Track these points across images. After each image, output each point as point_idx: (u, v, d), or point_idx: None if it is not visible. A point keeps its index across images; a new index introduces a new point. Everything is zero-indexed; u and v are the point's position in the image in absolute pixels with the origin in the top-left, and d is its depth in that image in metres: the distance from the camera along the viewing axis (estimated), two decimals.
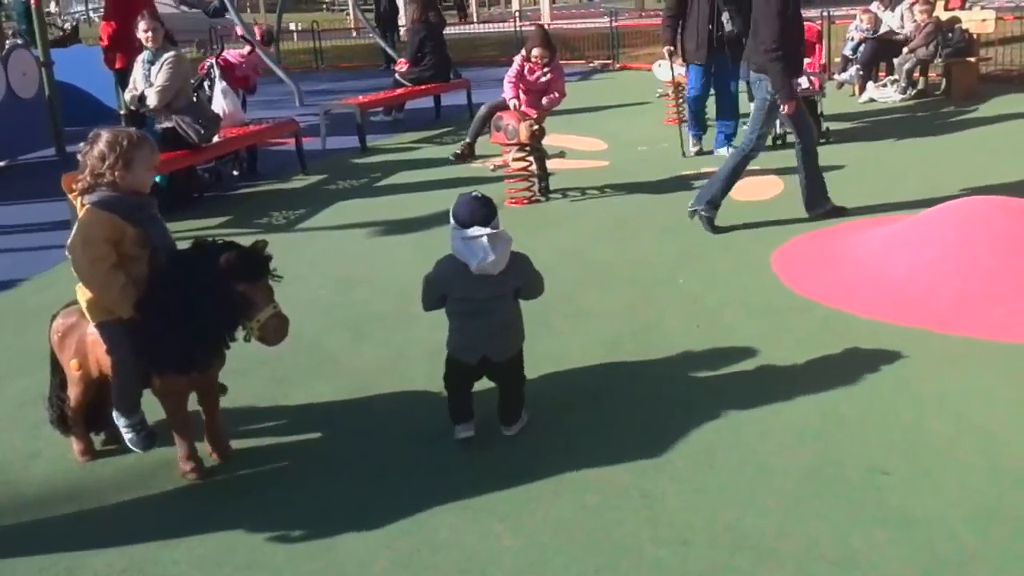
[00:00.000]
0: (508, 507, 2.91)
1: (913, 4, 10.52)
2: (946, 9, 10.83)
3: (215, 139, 7.12)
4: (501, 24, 21.22)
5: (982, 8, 10.84)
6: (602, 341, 4.16)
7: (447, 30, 13.78)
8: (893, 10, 10.55)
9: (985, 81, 10.74)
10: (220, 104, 7.71)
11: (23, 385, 3.96)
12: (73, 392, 3.23)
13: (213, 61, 8.11)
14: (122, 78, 8.05)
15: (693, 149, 8.15)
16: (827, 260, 5.10)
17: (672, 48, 7.94)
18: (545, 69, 7.19)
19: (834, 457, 3.08)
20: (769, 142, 7.58)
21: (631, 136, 9.07)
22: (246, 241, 3.02)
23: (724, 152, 7.95)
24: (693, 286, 4.80)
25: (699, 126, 8.21)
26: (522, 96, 7.05)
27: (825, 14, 12.47)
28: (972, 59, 10.40)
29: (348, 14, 26.65)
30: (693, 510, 2.84)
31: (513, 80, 6.93)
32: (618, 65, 15.37)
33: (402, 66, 10.71)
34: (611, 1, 33.54)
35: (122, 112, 7.11)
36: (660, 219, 6.10)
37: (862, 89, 10.57)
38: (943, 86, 10.65)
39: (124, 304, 2.90)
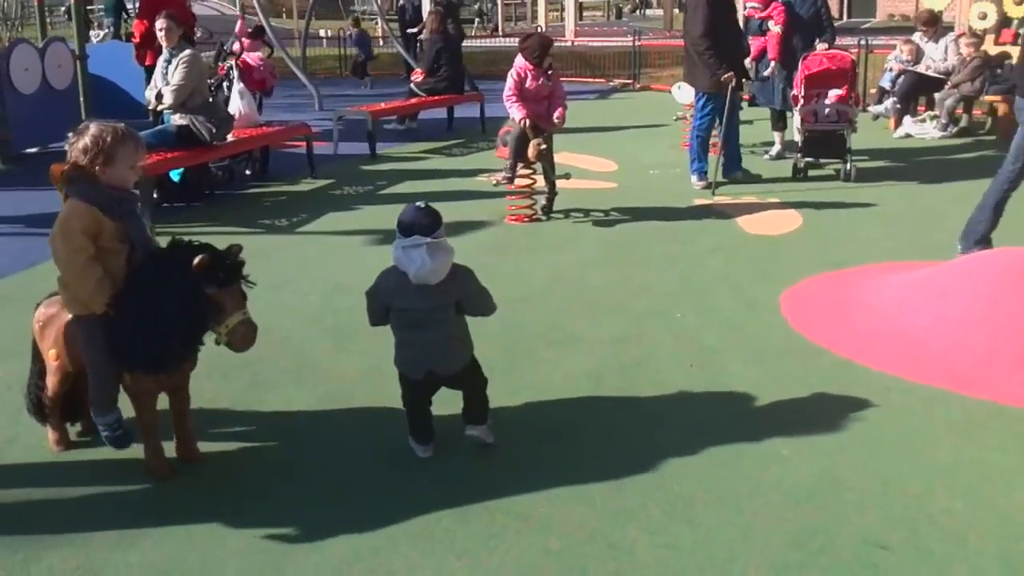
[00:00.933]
0: (468, 542, 2.80)
1: (959, 36, 10.18)
2: (996, 44, 10.48)
3: (229, 138, 7.18)
4: None
5: None
6: (587, 373, 4.03)
7: (469, 43, 13.90)
8: (937, 42, 10.20)
9: None
10: (237, 105, 7.81)
11: (11, 367, 3.99)
12: (51, 382, 3.25)
13: (233, 63, 8.25)
14: (151, 75, 8.14)
15: (700, 184, 7.64)
16: (841, 305, 4.80)
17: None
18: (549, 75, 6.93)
19: (827, 524, 2.83)
20: (789, 173, 7.56)
21: (644, 159, 9.03)
22: (244, 241, 3.04)
23: (740, 176, 7.88)
24: (691, 321, 4.62)
25: (705, 159, 7.80)
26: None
27: (863, 43, 12.26)
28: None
29: (377, 23, 26.78)
30: (663, 567, 2.65)
31: (515, 96, 6.51)
32: (639, 85, 15.36)
33: (417, 76, 10.78)
34: (640, 20, 33.66)
35: (149, 107, 7.24)
36: (664, 247, 5.96)
37: (898, 123, 10.15)
38: (988, 125, 10.19)
39: (98, 298, 2.91)
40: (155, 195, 6.78)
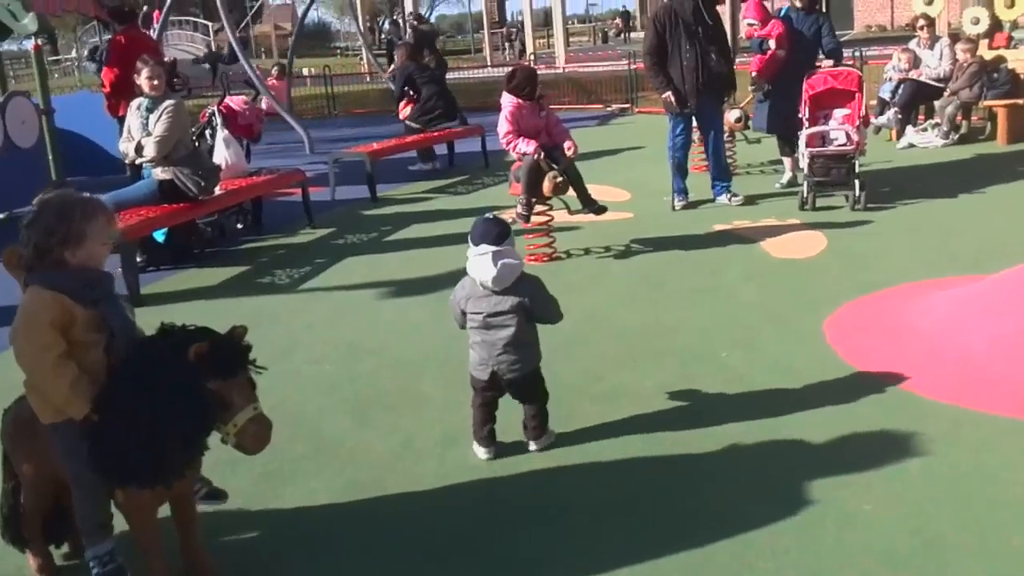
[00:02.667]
0: None
1: (954, 42, 10.06)
2: (990, 48, 10.38)
3: (217, 191, 6.74)
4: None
5: None
6: (640, 431, 3.64)
7: (461, 74, 13.59)
8: (932, 48, 10.06)
9: None
10: (222, 154, 7.36)
11: None
12: (28, 501, 2.78)
13: (215, 108, 7.76)
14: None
15: (679, 203, 7.60)
16: (888, 330, 4.57)
17: (676, 93, 7.32)
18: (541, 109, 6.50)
19: None
20: (847, 213, 7.08)
21: (655, 185, 8.61)
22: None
23: (724, 200, 7.65)
24: (738, 361, 4.31)
25: (684, 178, 7.71)
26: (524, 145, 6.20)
27: (856, 54, 12.05)
28: (1021, 101, 9.93)
29: (362, 58, 26.59)
30: None
31: (514, 135, 6.15)
32: (636, 110, 15.02)
33: (404, 109, 10.41)
34: (623, 44, 33.52)
35: (126, 160, 6.73)
36: (693, 279, 5.66)
37: (900, 134, 10.09)
38: (987, 130, 10.14)
39: (76, 402, 2.45)
40: (138, 259, 6.31)
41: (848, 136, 7.17)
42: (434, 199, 8.99)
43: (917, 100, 10.21)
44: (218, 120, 7.65)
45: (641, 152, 10.77)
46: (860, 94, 7.23)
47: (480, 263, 3.30)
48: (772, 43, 7.65)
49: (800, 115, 7.33)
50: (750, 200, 7.70)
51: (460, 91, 18.39)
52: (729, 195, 7.67)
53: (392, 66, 11.96)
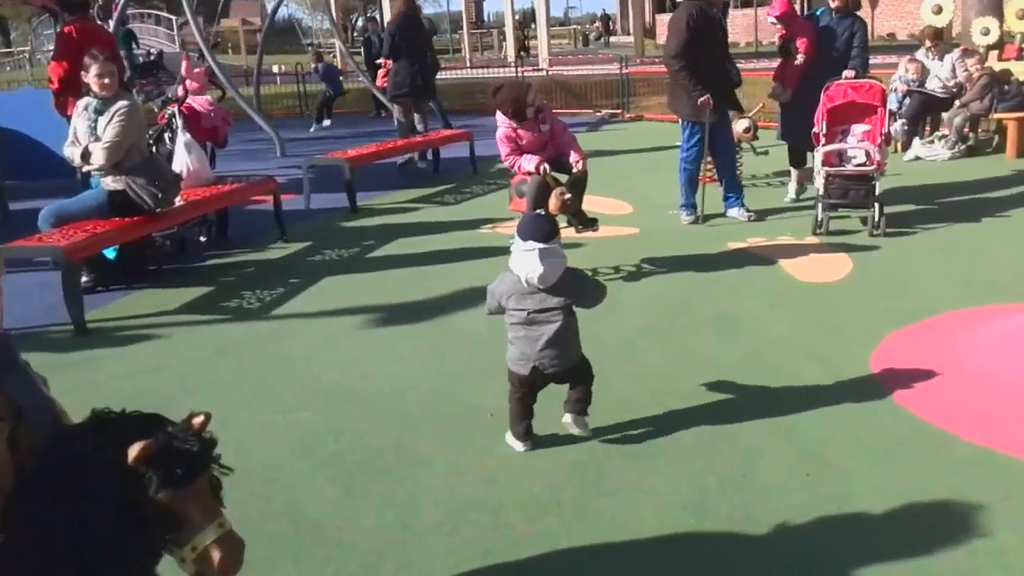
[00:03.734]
0: None
1: (964, 54, 9.69)
2: (999, 60, 10.03)
3: (177, 202, 6.08)
4: (500, 70, 20.38)
5: None
6: (683, 500, 3.11)
7: (441, 75, 13.00)
8: (942, 60, 9.67)
9: None
10: (183, 160, 6.65)
11: None
12: None
13: (175, 109, 7.04)
14: None
15: (688, 219, 7.15)
16: (945, 370, 4.09)
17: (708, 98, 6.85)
18: (540, 123, 5.86)
19: None
20: (865, 236, 6.49)
21: (656, 196, 8.09)
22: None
23: (736, 214, 7.19)
24: (784, 409, 3.76)
25: (694, 192, 7.21)
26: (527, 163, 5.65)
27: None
28: None
29: (335, 56, 25.89)
30: None
31: (514, 155, 5.65)
32: (628, 115, 14.49)
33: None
34: (603, 47, 33.13)
35: (74, 165, 5.99)
36: (715, 306, 5.14)
37: (907, 146, 9.71)
38: (995, 142, 9.78)
39: None
40: (84, 279, 5.63)
41: (868, 155, 6.63)
42: (419, 209, 8.37)
43: (925, 112, 9.85)
44: (179, 122, 6.93)
45: (638, 160, 10.24)
46: (883, 109, 6.65)
47: (526, 259, 3.27)
48: (798, 48, 7.12)
49: (816, 130, 6.76)
50: (760, 215, 7.24)
51: (442, 93, 17.87)
52: (743, 209, 7.19)
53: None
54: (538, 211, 3.44)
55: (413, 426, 3.77)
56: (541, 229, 3.30)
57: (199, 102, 7.62)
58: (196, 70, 9.49)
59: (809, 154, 7.39)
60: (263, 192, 7.22)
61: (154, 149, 6.65)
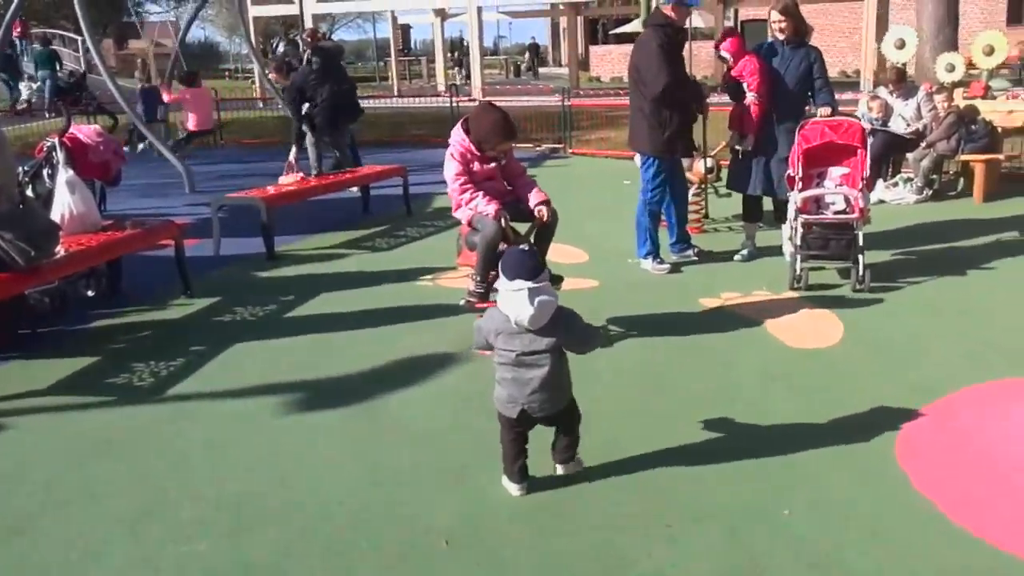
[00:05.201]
0: None
1: (931, 92, 9.36)
2: (964, 97, 9.75)
3: (59, 252, 5.20)
4: (433, 99, 19.72)
5: (1009, 98, 9.71)
6: None
7: (368, 104, 12.37)
8: (906, 99, 9.32)
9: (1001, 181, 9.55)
10: (64, 201, 5.67)
11: None
12: None
13: (55, 141, 6.07)
14: None
15: (661, 269, 6.60)
16: (985, 468, 3.56)
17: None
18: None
19: None
20: (849, 291, 5.92)
21: (614, 242, 7.48)
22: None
23: (651, 267, 6.64)
24: (805, 522, 3.16)
25: (656, 238, 6.68)
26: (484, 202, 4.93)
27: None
28: (1001, 156, 9.26)
29: (254, 82, 24.98)
30: None
31: (467, 183, 4.94)
32: (571, 150, 13.93)
33: None
34: (545, 79, 32.85)
35: None
36: (700, 381, 4.50)
37: (870, 188, 9.28)
38: (959, 186, 9.46)
39: None
40: None
41: (849, 201, 6.12)
42: (347, 256, 7.57)
43: (889, 152, 9.43)
44: (60, 156, 5.97)
45: (588, 201, 9.61)
46: (863, 150, 6.11)
47: (515, 300, 3.15)
48: (748, 89, 6.51)
49: (791, 173, 6.21)
50: (728, 265, 6.73)
51: (368, 123, 17.15)
52: (692, 248, 6.89)
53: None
54: (523, 246, 3.32)
55: (348, 559, 3.00)
56: (527, 266, 3.15)
57: (86, 132, 6.69)
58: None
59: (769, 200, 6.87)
60: (162, 239, 6.35)
61: (29, 189, 5.74)
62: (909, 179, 9.26)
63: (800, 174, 6.10)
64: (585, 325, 3.43)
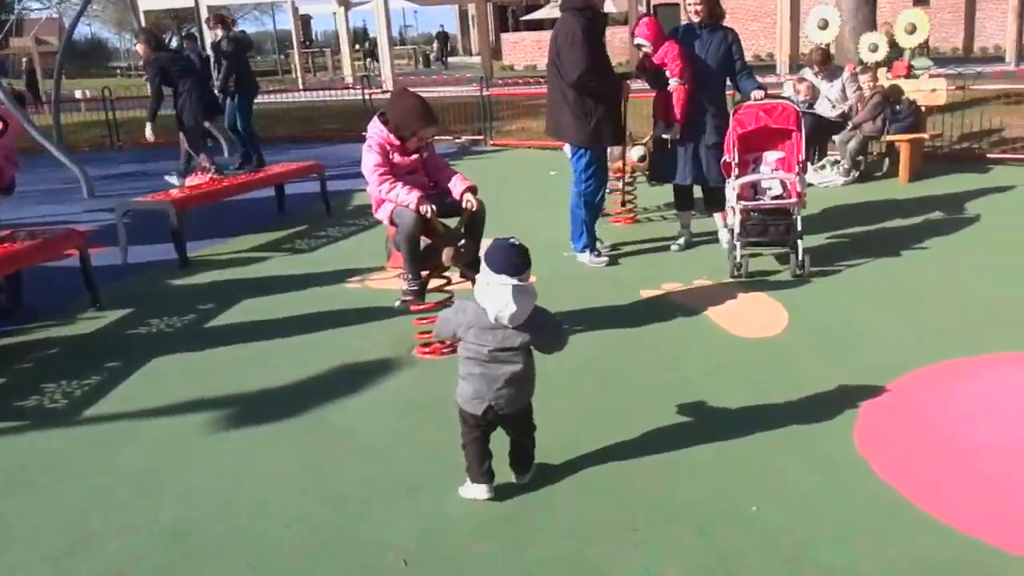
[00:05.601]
0: None
1: (855, 72, 9.54)
2: (888, 77, 9.96)
3: None
4: (344, 92, 19.34)
5: (931, 76, 9.97)
6: None
7: (273, 98, 12.03)
8: (831, 81, 9.46)
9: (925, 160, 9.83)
10: None
11: None
12: None
13: None
14: None
15: (599, 261, 6.59)
16: (950, 453, 3.57)
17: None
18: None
19: None
20: (788, 277, 5.99)
21: (546, 235, 7.36)
22: None
23: (588, 259, 6.65)
24: (776, 518, 3.13)
25: (593, 228, 6.66)
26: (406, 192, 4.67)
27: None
28: (926, 135, 9.50)
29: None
30: None
31: (389, 177, 4.69)
32: (491, 142, 13.84)
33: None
34: (456, 69, 32.68)
35: None
36: (651, 374, 4.47)
37: (805, 172, 9.44)
38: (885, 166, 9.67)
39: None
40: None
41: (786, 186, 6.18)
42: (266, 260, 7.33)
43: (816, 135, 9.51)
44: None
45: (515, 193, 9.53)
46: (798, 133, 6.15)
47: (497, 295, 3.09)
48: (670, 75, 6.44)
49: (727, 159, 6.23)
50: (665, 255, 6.76)
51: (276, 119, 16.78)
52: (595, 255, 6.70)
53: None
54: (511, 239, 3.16)
55: None
56: (514, 262, 3.10)
57: None
58: None
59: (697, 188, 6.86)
60: (65, 249, 6.01)
61: None
62: (836, 161, 9.43)
63: (736, 160, 6.13)
64: (557, 324, 3.41)
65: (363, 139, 4.86)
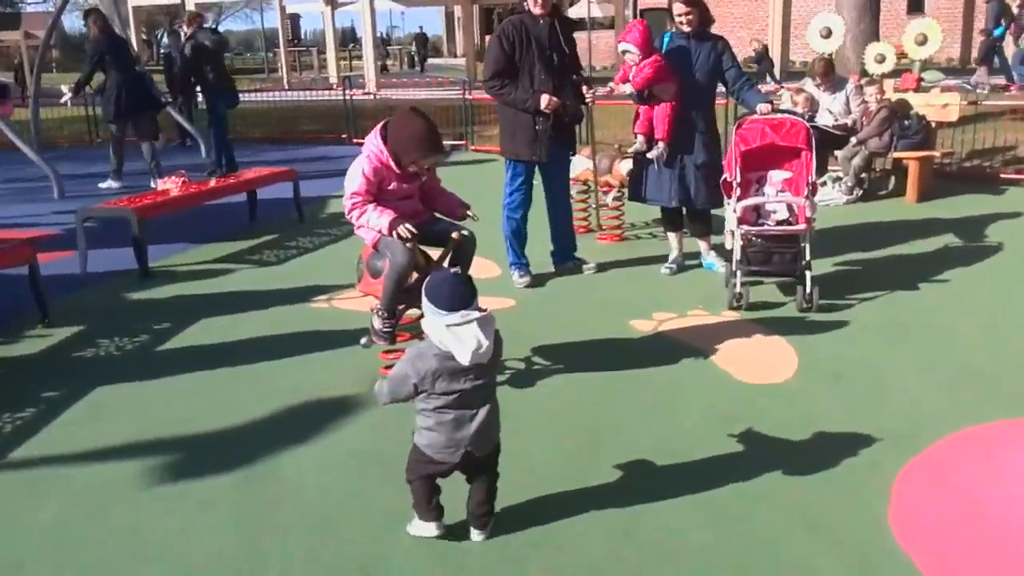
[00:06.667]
0: None
1: (860, 85, 9.01)
2: (896, 90, 9.43)
3: None
4: (325, 92, 18.75)
5: (942, 91, 9.45)
6: None
7: (256, 97, 11.55)
8: (834, 93, 8.95)
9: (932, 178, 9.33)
10: None
11: None
12: None
13: None
14: None
15: (521, 281, 6.16)
16: (1016, 555, 2.97)
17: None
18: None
19: None
20: (794, 311, 5.44)
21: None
22: None
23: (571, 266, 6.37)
24: None
25: (523, 246, 6.27)
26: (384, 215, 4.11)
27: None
28: (936, 153, 9.01)
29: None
30: None
31: (361, 198, 4.12)
32: (472, 147, 13.31)
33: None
34: (439, 71, 32.05)
35: None
36: (643, 427, 3.92)
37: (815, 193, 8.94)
38: (891, 184, 9.15)
39: None
40: None
41: (792, 209, 5.68)
42: (231, 272, 6.78)
43: (817, 150, 9.08)
44: None
45: (495, 204, 8.96)
46: (808, 152, 5.61)
47: (465, 334, 2.74)
48: (664, 91, 5.87)
49: (727, 178, 5.72)
50: (653, 279, 6.24)
51: (256, 119, 16.18)
52: (573, 260, 6.44)
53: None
54: (452, 269, 3.03)
55: None
56: (463, 293, 2.79)
57: None
58: None
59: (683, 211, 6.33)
60: (10, 263, 5.42)
61: None
62: (838, 178, 8.92)
63: (738, 179, 5.63)
64: (500, 338, 3.00)
65: (342, 141, 4.33)
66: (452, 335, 2.73)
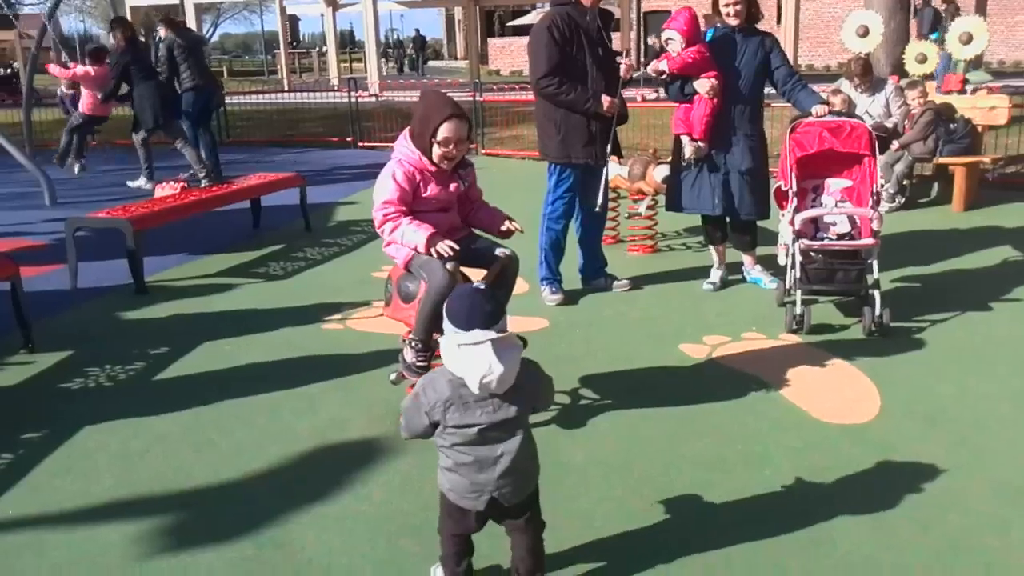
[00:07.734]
0: None
1: (900, 86, 8.40)
2: (939, 92, 8.86)
3: None
4: (328, 94, 18.16)
5: (989, 92, 8.85)
6: None
7: (256, 99, 11.05)
8: (872, 94, 8.36)
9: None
10: None
11: None
12: None
13: None
14: None
15: (553, 298, 5.62)
16: None
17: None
18: (462, 177, 3.86)
19: None
20: (861, 334, 4.86)
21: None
22: None
23: (604, 283, 5.85)
24: None
25: (559, 260, 5.72)
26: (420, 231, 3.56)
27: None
28: (986, 159, 8.42)
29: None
30: None
31: (395, 210, 3.60)
32: (483, 151, 12.73)
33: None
34: (439, 73, 31.58)
35: None
36: (713, 477, 3.34)
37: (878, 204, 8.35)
38: (934, 192, 8.56)
39: None
40: None
41: (855, 222, 5.11)
42: (234, 288, 6.18)
43: None
44: None
45: (515, 213, 8.34)
46: (872, 158, 5.06)
47: (476, 357, 2.33)
48: (702, 84, 5.31)
49: (782, 187, 5.16)
50: (697, 295, 5.67)
51: (258, 120, 15.63)
52: (606, 277, 5.90)
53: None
54: (476, 284, 2.70)
55: None
56: (484, 310, 2.39)
57: None
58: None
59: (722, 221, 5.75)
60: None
61: None
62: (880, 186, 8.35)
63: (794, 188, 5.05)
64: (548, 379, 2.66)
65: (347, 144, 3.77)
66: (463, 357, 2.37)
